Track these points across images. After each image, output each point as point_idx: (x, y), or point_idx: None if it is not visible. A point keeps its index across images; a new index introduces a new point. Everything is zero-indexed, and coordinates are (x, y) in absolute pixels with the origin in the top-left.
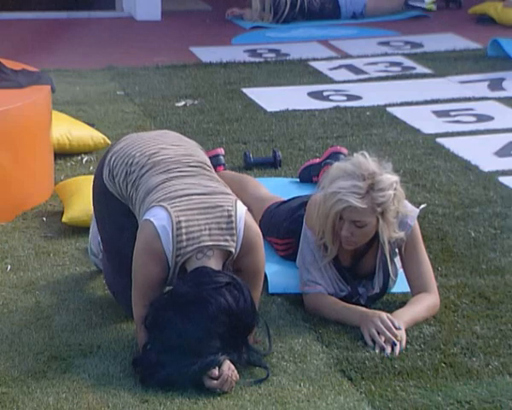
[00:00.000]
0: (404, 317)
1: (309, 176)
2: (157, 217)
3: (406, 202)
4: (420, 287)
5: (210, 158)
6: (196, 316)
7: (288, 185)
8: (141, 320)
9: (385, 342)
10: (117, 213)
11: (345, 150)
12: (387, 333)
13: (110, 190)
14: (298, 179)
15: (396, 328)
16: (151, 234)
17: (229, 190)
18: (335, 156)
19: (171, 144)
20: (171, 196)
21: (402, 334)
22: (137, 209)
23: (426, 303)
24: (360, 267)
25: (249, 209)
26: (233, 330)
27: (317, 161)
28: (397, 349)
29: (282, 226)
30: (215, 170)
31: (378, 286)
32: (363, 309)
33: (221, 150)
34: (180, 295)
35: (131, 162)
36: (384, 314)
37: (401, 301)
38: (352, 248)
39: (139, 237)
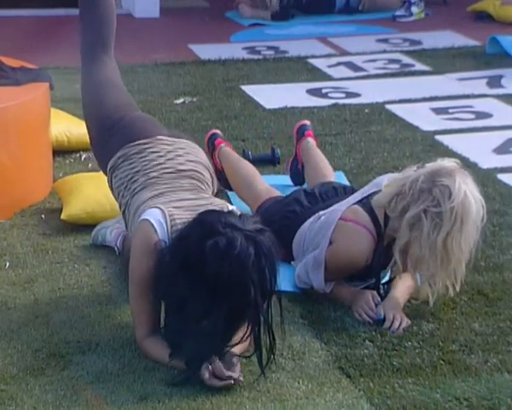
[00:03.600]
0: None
1: (297, 172)
2: (152, 215)
3: None
4: None
5: (207, 141)
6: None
7: (287, 182)
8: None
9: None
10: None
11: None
12: (371, 313)
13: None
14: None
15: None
16: (148, 230)
17: (222, 201)
18: (302, 130)
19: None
20: (163, 200)
21: (403, 317)
22: (129, 222)
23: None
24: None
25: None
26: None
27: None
28: (402, 325)
29: None
30: (214, 146)
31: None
32: (356, 290)
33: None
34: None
35: (131, 178)
36: (369, 294)
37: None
38: None
39: (136, 235)
